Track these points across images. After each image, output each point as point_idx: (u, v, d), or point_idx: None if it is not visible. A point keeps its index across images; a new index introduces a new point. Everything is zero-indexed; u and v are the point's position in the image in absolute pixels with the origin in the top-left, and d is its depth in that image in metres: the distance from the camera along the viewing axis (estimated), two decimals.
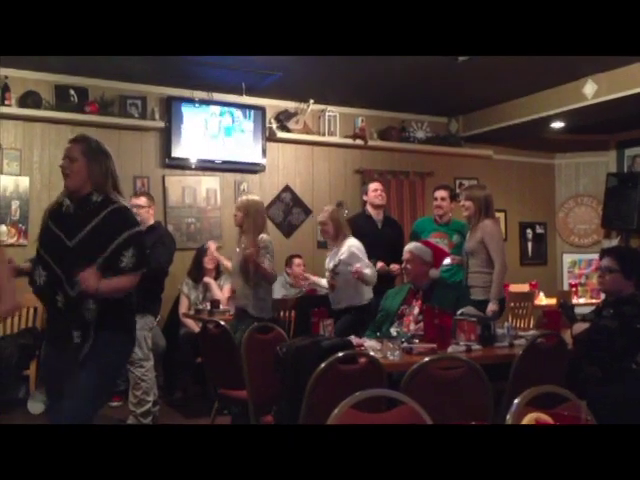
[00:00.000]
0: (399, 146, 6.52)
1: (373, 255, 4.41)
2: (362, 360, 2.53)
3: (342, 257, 4.11)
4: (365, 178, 6.26)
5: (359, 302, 4.18)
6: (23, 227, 5.05)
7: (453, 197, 4.79)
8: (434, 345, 2.94)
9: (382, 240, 4.63)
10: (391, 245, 4.62)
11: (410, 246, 3.75)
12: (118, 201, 2.43)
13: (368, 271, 4.06)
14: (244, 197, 4.02)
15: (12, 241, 4.97)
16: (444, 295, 3.49)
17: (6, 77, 4.98)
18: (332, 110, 6.22)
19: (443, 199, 4.67)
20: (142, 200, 4.29)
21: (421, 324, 3.30)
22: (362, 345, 2.96)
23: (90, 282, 2.25)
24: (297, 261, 5.61)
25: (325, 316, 3.20)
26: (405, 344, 2.97)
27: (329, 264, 4.22)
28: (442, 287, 3.62)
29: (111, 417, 4.28)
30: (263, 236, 3.80)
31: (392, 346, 2.84)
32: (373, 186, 4.75)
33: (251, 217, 3.81)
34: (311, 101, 6.00)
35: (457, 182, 6.81)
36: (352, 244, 4.18)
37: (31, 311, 4.81)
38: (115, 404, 4.68)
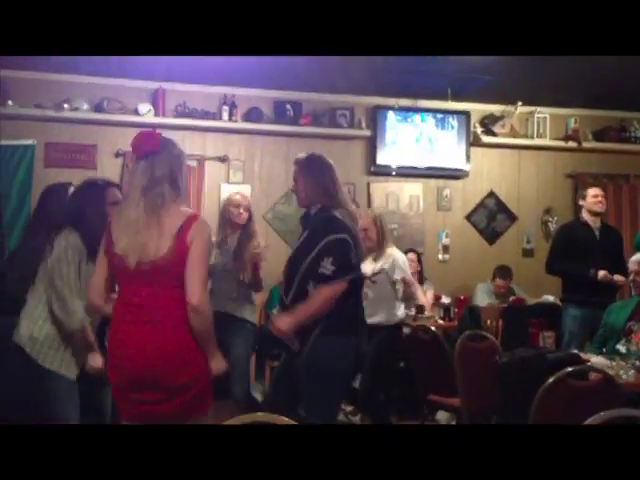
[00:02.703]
0: (618, 147, 5.97)
1: (590, 265, 4.10)
2: (593, 377, 2.38)
3: (385, 266, 3.85)
4: (578, 183, 5.86)
5: (394, 319, 3.98)
6: None
7: None
8: None
9: (600, 249, 4.28)
10: (610, 255, 4.25)
11: (638, 256, 3.44)
12: (329, 210, 2.57)
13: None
14: (250, 198, 3.89)
15: None
16: None
17: (233, 95, 5.53)
18: (542, 111, 5.91)
19: None
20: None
21: None
22: (588, 361, 2.78)
23: (280, 327, 2.43)
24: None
25: (544, 327, 3.05)
26: (638, 363, 2.73)
27: (366, 270, 3.89)
28: None
29: None
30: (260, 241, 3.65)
31: (625, 364, 2.63)
32: (593, 191, 4.42)
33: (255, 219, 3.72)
34: (519, 103, 5.77)
35: None
36: (398, 256, 3.96)
37: None
38: None
